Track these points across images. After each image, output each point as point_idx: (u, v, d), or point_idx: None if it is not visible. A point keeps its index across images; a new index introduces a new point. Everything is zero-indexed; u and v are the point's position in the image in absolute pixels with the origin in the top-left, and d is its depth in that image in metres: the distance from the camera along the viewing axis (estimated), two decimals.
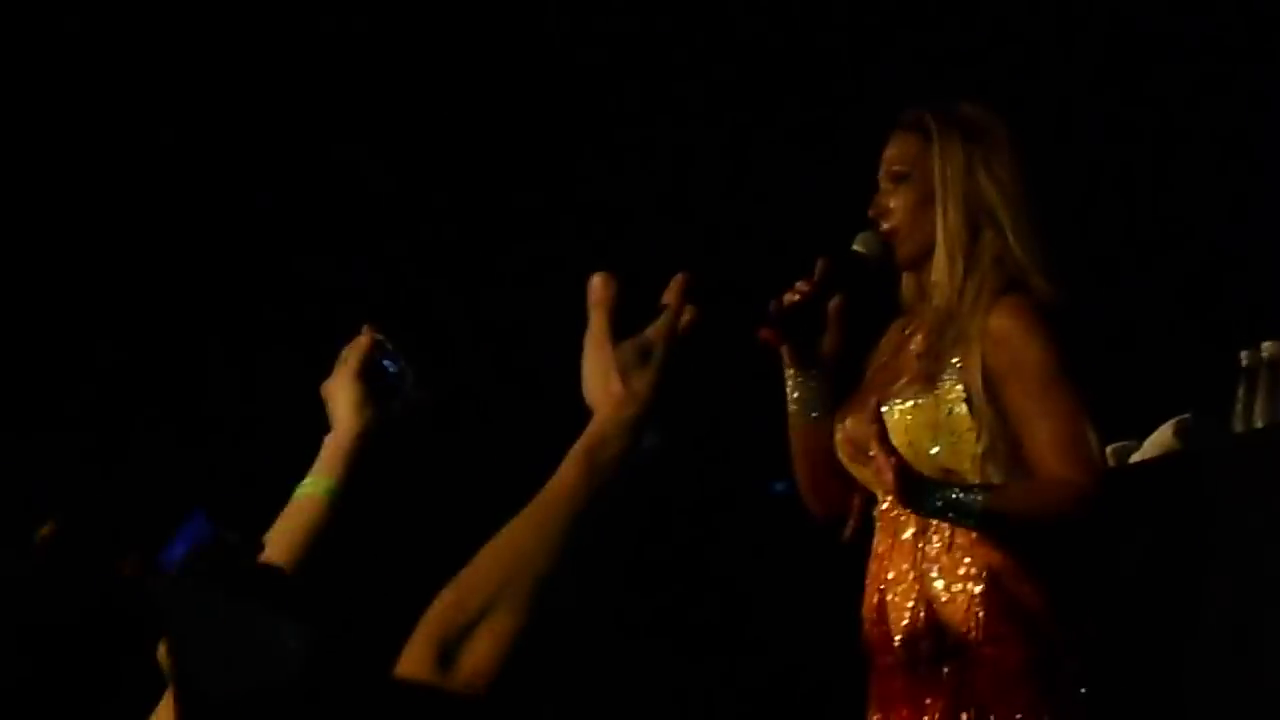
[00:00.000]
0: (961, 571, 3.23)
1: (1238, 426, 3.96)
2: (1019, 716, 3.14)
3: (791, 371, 3.45)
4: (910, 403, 3.29)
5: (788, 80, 5.25)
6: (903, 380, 3.34)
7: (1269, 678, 3.61)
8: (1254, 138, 5.01)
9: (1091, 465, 3.17)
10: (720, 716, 5.16)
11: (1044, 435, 3.18)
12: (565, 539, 1.82)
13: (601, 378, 1.89)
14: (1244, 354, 3.98)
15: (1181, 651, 3.81)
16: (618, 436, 1.86)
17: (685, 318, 1.93)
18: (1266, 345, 3.94)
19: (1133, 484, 4.01)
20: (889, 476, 3.08)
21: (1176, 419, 4.10)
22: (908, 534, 3.30)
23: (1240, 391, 3.97)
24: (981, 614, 3.20)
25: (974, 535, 3.22)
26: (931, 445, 3.26)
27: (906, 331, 3.44)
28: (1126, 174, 5.10)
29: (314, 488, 2.39)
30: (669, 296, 1.93)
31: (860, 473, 3.37)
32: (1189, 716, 3.76)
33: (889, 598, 3.30)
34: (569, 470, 1.86)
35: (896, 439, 3.21)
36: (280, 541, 2.32)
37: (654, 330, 1.92)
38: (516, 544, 1.81)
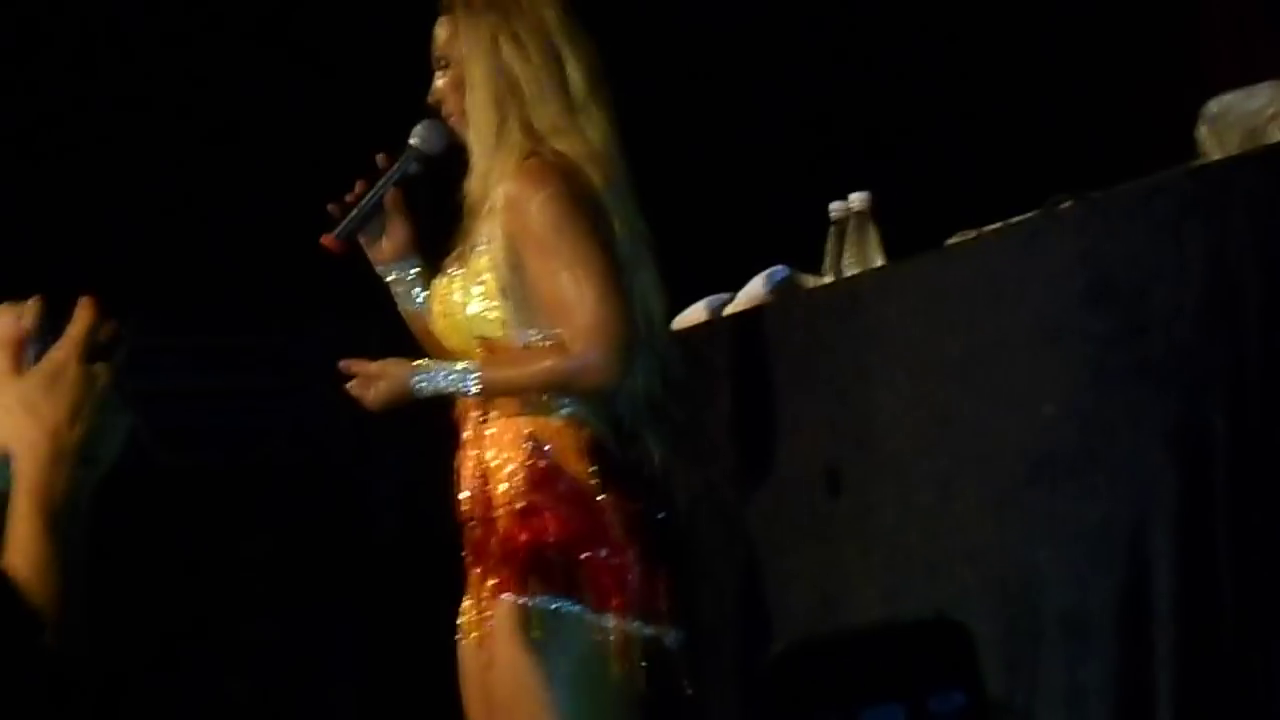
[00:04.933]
0: (509, 438, 3.27)
1: (828, 277, 4.03)
2: (558, 582, 3.19)
3: (378, 269, 3.52)
4: (451, 276, 3.36)
5: None
6: (452, 255, 3.40)
7: (863, 517, 3.70)
8: None
9: (594, 330, 3.19)
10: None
11: (554, 298, 3.22)
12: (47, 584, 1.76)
13: (8, 416, 1.82)
14: (833, 206, 4.05)
15: (775, 495, 3.90)
16: (56, 473, 1.80)
17: (103, 331, 1.87)
18: (854, 197, 4.01)
19: (727, 336, 4.08)
20: (368, 397, 3.31)
21: (767, 270, 4.16)
22: (473, 406, 3.35)
23: (829, 243, 4.04)
24: (522, 480, 3.24)
25: (519, 404, 3.27)
26: (467, 314, 3.31)
27: None
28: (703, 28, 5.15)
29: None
30: (77, 317, 1.86)
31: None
32: (782, 561, 3.85)
33: (462, 465, 3.35)
34: (23, 527, 1.78)
35: (442, 306, 3.36)
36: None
37: (60, 352, 1.84)
38: None
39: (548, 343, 3.25)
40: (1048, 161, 4.42)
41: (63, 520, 1.79)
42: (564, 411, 3.26)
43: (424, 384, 3.27)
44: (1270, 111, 3.28)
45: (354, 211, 3.44)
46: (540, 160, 3.26)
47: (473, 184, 3.34)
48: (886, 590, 3.56)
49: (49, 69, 5.13)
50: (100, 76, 5.14)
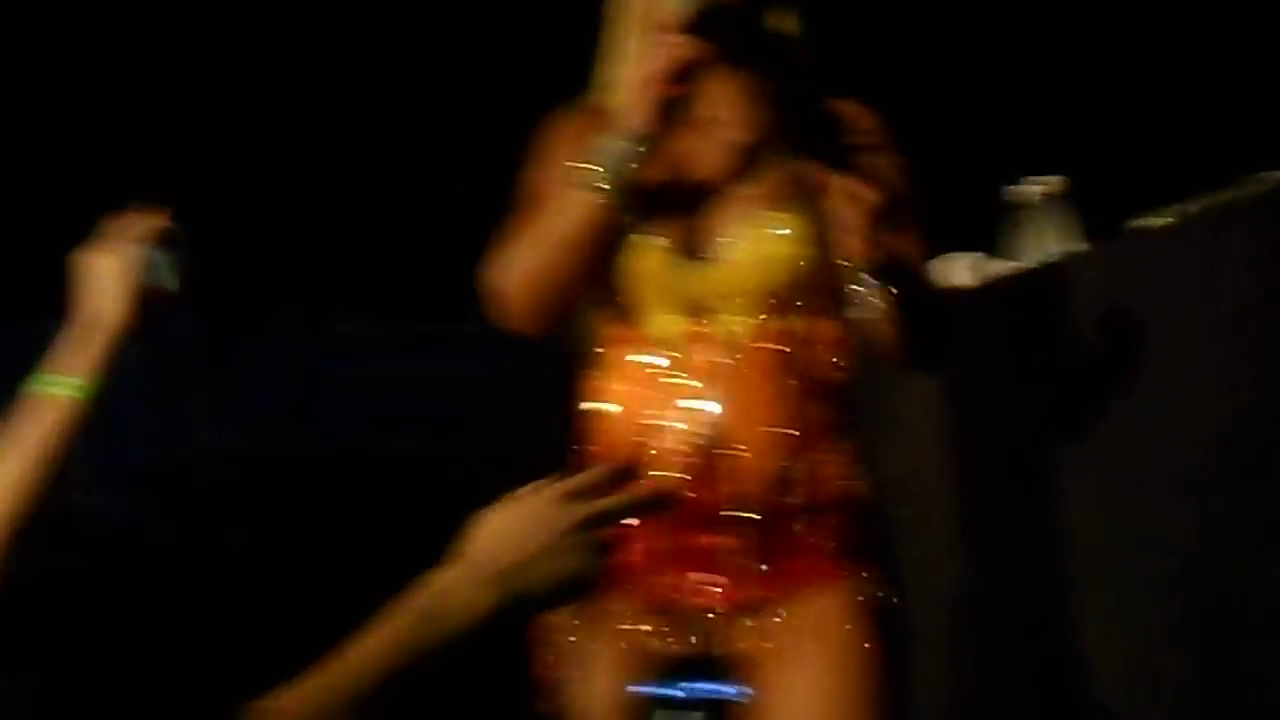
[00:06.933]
0: (826, 421, 2.90)
1: (1006, 263, 4.02)
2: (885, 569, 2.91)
3: (637, 134, 2.77)
4: (761, 213, 2.91)
5: None
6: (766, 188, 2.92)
7: (1056, 509, 3.72)
8: None
9: None
10: None
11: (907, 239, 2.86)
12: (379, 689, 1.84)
13: (505, 538, 1.94)
14: (1008, 190, 4.00)
15: (970, 489, 3.92)
16: (474, 597, 1.91)
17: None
18: (1033, 181, 3.98)
19: None
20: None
21: (961, 255, 4.15)
22: (748, 378, 2.89)
23: (1007, 228, 4.02)
24: (848, 462, 2.91)
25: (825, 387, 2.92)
26: (810, 249, 2.90)
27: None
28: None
29: (64, 388, 2.20)
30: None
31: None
32: (969, 544, 3.88)
33: (728, 449, 2.86)
34: (392, 630, 1.87)
35: (762, 242, 2.90)
36: (28, 447, 2.15)
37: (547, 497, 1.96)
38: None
39: None
40: (1227, 141, 4.39)
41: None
42: None
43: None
44: None
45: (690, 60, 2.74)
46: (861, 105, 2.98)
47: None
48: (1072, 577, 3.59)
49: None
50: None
